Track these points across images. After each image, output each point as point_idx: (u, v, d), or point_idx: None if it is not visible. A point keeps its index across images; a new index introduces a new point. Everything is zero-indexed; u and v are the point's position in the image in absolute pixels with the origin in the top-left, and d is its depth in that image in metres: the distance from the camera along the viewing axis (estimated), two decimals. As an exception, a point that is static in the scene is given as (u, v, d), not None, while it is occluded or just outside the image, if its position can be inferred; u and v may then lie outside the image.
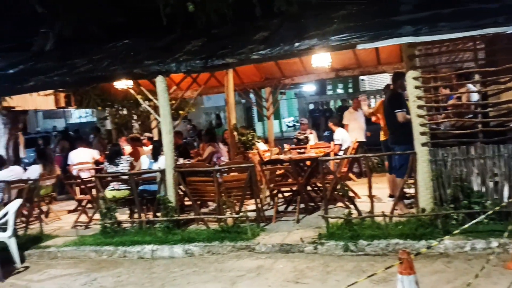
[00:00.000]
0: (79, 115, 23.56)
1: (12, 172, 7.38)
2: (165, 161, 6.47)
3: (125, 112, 11.82)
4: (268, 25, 7.17)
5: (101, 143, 11.86)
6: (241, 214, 6.09)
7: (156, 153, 6.59)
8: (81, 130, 17.46)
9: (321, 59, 7.34)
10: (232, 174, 6.69)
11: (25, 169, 7.79)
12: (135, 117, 11.90)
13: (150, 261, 5.80)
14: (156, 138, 10.87)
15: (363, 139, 9.32)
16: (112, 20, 9.32)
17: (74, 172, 9.14)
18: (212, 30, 7.89)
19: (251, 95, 12.27)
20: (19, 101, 8.87)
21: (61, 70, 7.12)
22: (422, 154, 5.53)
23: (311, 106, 19.90)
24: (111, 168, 7.16)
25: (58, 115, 23.90)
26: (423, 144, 5.52)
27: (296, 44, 5.89)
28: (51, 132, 20.28)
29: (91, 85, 9.05)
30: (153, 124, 11.78)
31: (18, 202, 6.28)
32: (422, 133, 5.54)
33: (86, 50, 8.19)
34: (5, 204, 6.65)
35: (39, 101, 9.52)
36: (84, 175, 8.90)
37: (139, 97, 7.44)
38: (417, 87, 5.54)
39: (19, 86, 7.11)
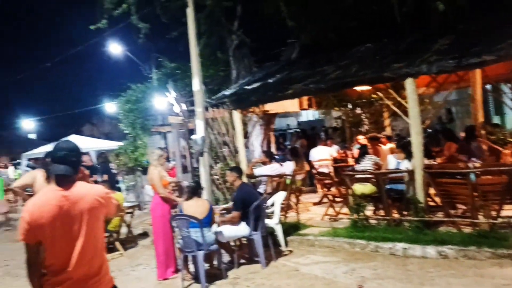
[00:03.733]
0: (306, 114, 25.32)
1: (273, 168, 8.58)
2: (414, 161, 6.58)
3: (358, 111, 12.35)
4: (529, 15, 6.54)
5: (332, 142, 12.63)
6: (500, 220, 5.77)
7: (409, 154, 6.74)
8: (309, 128, 18.81)
9: None
10: (485, 176, 6.34)
11: (281, 165, 8.91)
12: (367, 115, 12.31)
13: (402, 258, 6.00)
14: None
15: None
16: (345, 25, 9.89)
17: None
18: (458, 26, 7.59)
19: (487, 87, 11.25)
20: (272, 105, 10.18)
21: (314, 78, 7.78)
22: None
23: None
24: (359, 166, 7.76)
25: (290, 114, 26.15)
26: None
27: None
28: (286, 130, 22.43)
29: (343, 90, 9.65)
30: (386, 122, 11.97)
31: (283, 194, 7.32)
32: None
33: (330, 57, 8.85)
34: (269, 194, 7.82)
35: (286, 104, 10.71)
36: (324, 171, 9.74)
37: (382, 97, 7.68)
38: None
39: (280, 94, 8.10)
